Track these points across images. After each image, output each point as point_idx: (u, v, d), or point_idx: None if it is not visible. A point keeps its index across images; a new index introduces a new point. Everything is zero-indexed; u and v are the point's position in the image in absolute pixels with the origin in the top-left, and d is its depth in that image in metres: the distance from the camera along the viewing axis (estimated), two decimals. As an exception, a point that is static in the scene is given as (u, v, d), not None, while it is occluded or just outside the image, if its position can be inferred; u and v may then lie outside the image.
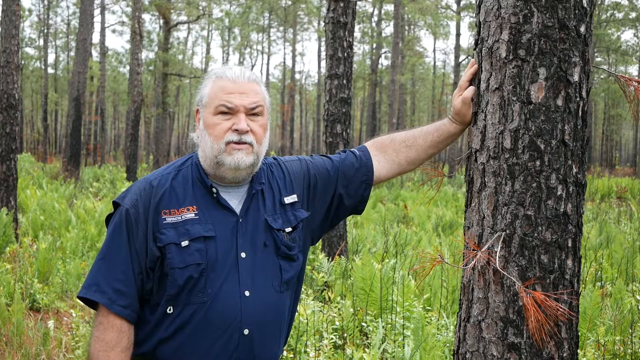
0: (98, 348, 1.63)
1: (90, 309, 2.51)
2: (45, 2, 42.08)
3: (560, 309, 1.63)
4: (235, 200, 1.77)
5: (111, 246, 1.68)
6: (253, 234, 1.74)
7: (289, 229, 1.80)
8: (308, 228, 1.88)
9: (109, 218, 1.75)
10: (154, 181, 1.73)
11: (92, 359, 1.64)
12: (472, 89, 1.81)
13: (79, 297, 1.67)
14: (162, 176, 1.75)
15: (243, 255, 1.71)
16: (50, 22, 44.24)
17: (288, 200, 1.85)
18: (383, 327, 4.24)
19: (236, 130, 1.70)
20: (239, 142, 1.71)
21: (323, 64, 40.16)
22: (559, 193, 1.68)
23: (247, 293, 1.69)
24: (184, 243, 1.66)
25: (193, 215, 1.70)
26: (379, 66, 35.78)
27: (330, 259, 6.40)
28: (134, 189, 1.74)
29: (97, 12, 31.90)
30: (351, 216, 11.59)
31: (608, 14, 35.10)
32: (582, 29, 1.69)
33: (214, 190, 1.74)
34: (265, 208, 1.79)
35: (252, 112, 1.74)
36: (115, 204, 1.73)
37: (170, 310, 1.67)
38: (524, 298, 1.62)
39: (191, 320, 1.66)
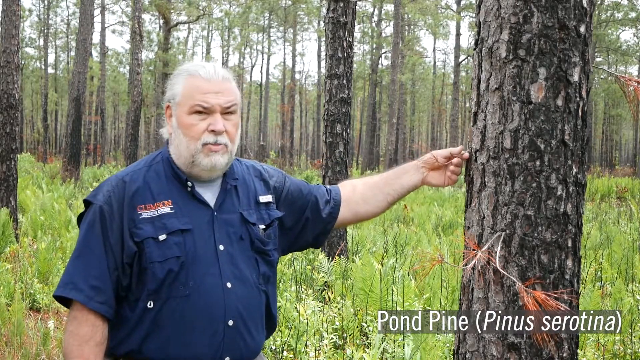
0: (72, 342, 1.64)
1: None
2: (45, 2, 42.09)
3: (562, 308, 1.63)
4: (209, 193, 1.78)
5: (86, 244, 1.68)
6: (229, 227, 1.76)
7: (262, 226, 1.82)
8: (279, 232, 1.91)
9: (81, 217, 1.75)
10: (126, 177, 1.73)
11: (65, 352, 1.65)
12: (458, 161, 1.90)
13: (55, 296, 1.67)
14: (133, 172, 1.75)
15: (221, 247, 1.73)
16: (50, 22, 44.26)
17: (263, 199, 1.87)
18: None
19: (212, 131, 1.71)
20: (215, 144, 1.71)
21: (323, 64, 40.16)
22: (559, 193, 1.68)
23: (229, 285, 1.71)
24: (162, 237, 1.66)
25: (169, 209, 1.70)
26: (379, 66, 35.80)
27: (330, 259, 6.40)
28: (105, 186, 1.73)
29: (97, 12, 31.91)
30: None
31: (608, 14, 35.11)
32: (582, 29, 1.69)
33: (189, 184, 1.75)
34: (240, 202, 1.81)
35: (226, 111, 1.74)
36: (87, 202, 1.72)
37: (150, 305, 1.66)
38: (525, 297, 1.62)
39: (174, 315, 1.66)
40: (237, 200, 1.81)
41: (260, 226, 1.81)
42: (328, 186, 2.03)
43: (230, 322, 1.70)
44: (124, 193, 1.70)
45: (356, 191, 2.01)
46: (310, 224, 1.95)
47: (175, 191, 1.74)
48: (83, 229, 1.70)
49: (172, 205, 1.71)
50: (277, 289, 4.43)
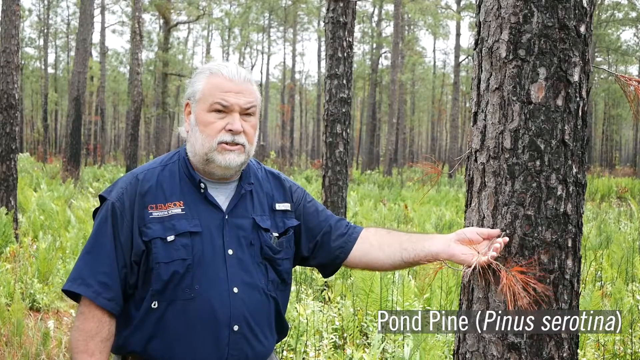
0: (78, 337, 1.65)
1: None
2: (45, 2, 42.09)
3: (532, 282, 1.62)
4: (222, 196, 1.77)
5: (97, 240, 1.69)
6: (239, 231, 1.75)
7: (276, 234, 1.81)
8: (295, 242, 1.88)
9: (96, 212, 1.76)
10: (140, 175, 1.74)
11: (72, 347, 1.66)
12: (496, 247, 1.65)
13: (64, 290, 1.68)
14: (147, 170, 1.76)
15: (230, 252, 1.72)
16: (50, 22, 44.28)
17: (280, 207, 1.85)
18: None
19: (230, 130, 1.71)
20: (231, 143, 1.71)
21: (323, 64, 40.16)
22: (559, 193, 1.68)
23: (235, 290, 1.70)
24: (170, 238, 1.67)
25: (180, 210, 1.70)
26: (379, 66, 35.80)
27: (330, 259, 6.39)
28: (120, 183, 1.74)
29: (97, 12, 31.91)
30: (351, 216, 11.46)
31: (608, 14, 35.12)
32: (582, 29, 1.69)
33: (202, 185, 1.74)
34: (254, 208, 1.80)
35: (245, 112, 1.74)
36: (102, 198, 1.74)
37: (155, 305, 1.67)
38: (503, 277, 1.62)
39: (179, 317, 1.67)
40: (250, 206, 1.80)
41: (273, 234, 1.80)
42: (353, 224, 1.96)
43: (236, 327, 1.69)
44: (136, 190, 1.70)
45: (376, 234, 1.91)
46: (319, 250, 1.90)
47: (188, 192, 1.74)
48: (95, 224, 1.72)
49: (183, 207, 1.71)
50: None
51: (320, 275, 5.76)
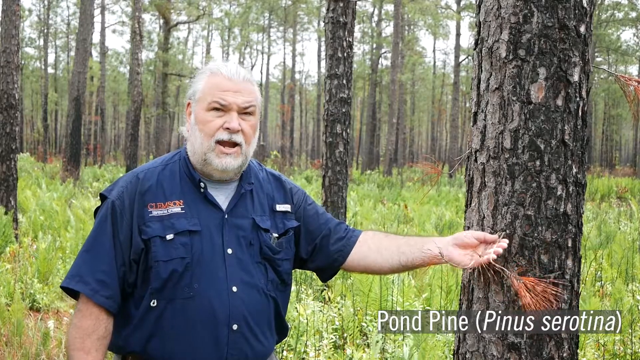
0: (74, 334, 1.66)
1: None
2: (45, 2, 42.10)
3: (549, 289, 1.63)
4: (222, 196, 1.78)
5: (96, 238, 1.69)
6: (239, 231, 1.75)
7: (275, 234, 1.81)
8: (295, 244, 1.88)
9: (97, 210, 1.77)
10: (140, 174, 1.75)
11: (68, 344, 1.67)
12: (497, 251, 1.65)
13: (62, 287, 1.69)
14: (148, 169, 1.77)
15: (229, 251, 1.73)
16: (50, 22, 44.27)
17: (280, 208, 1.85)
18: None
19: (227, 128, 1.71)
20: (228, 142, 1.71)
21: (323, 64, 40.18)
22: (559, 193, 1.68)
23: (234, 289, 1.71)
24: (169, 236, 1.67)
25: (179, 209, 1.71)
26: (379, 66, 35.80)
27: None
28: (120, 182, 1.75)
29: (97, 12, 31.91)
30: (351, 216, 11.42)
31: (608, 14, 35.13)
32: (582, 29, 1.69)
33: (202, 185, 1.75)
34: (254, 208, 1.81)
35: (244, 112, 1.74)
36: (103, 197, 1.75)
37: (154, 303, 1.67)
38: (515, 284, 1.62)
39: (178, 316, 1.67)
40: (251, 206, 1.80)
41: (273, 234, 1.80)
42: (351, 227, 1.96)
43: (235, 326, 1.70)
44: (136, 189, 1.72)
45: (374, 238, 1.91)
46: (317, 253, 1.91)
47: (188, 191, 1.75)
48: (96, 222, 1.73)
49: (182, 206, 1.72)
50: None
51: (320, 275, 5.77)
